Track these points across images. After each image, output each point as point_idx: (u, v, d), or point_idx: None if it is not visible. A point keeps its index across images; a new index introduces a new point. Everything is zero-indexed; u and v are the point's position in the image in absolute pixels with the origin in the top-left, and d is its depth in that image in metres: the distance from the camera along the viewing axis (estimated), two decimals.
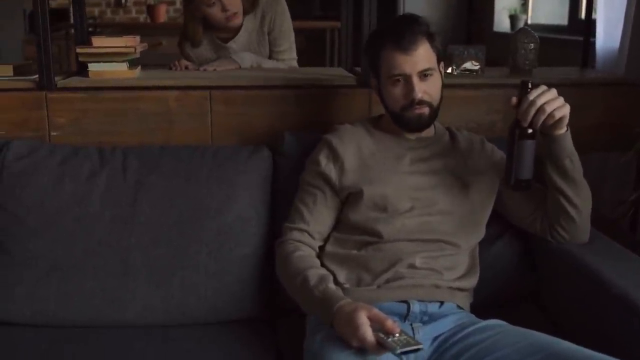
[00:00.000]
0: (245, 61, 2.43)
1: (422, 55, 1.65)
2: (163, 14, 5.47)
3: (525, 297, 1.79)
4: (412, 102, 1.65)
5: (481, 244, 1.75)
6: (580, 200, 1.65)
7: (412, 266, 1.60)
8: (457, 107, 2.05)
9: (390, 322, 1.29)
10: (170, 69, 2.44)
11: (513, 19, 4.83)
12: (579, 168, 1.64)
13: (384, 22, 1.77)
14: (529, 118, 1.53)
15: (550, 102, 1.53)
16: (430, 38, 1.68)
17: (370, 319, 1.31)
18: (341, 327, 1.35)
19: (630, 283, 1.49)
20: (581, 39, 3.48)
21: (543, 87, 1.55)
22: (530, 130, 1.56)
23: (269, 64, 2.52)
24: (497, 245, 1.80)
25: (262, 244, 1.79)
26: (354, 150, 1.71)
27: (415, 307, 1.55)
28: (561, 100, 1.55)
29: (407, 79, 1.65)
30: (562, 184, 1.63)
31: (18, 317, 1.71)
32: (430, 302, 1.57)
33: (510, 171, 1.59)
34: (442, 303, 1.59)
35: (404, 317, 1.56)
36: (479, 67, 2.26)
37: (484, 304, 1.69)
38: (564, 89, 1.61)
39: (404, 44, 1.63)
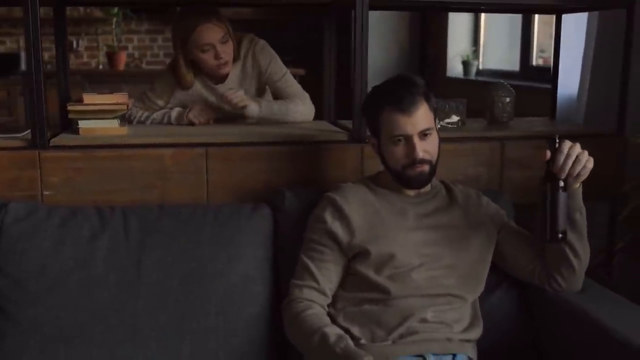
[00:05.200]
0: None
1: (422, 116, 1.71)
2: (123, 61, 5.43)
3: (527, 345, 1.84)
4: (414, 161, 1.71)
5: (480, 295, 1.80)
6: (583, 251, 1.73)
7: (424, 320, 1.64)
8: (443, 161, 2.11)
9: None
10: (194, 124, 2.36)
11: (466, 64, 5.01)
12: (585, 221, 1.72)
13: (380, 83, 1.83)
14: (567, 169, 1.60)
15: (581, 153, 1.61)
16: (427, 98, 1.75)
17: None
18: None
19: (632, 329, 1.56)
20: (534, 85, 3.64)
21: (569, 142, 1.63)
22: (562, 183, 1.62)
23: (283, 107, 2.41)
24: (496, 296, 1.85)
25: (269, 303, 1.80)
26: (358, 209, 1.75)
27: None
28: (587, 152, 1.63)
29: (408, 139, 1.71)
30: (570, 236, 1.69)
31: None
32: (444, 355, 1.62)
33: (546, 225, 1.63)
34: (454, 356, 1.64)
35: None
36: (458, 119, 2.35)
37: (486, 355, 1.74)
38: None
39: (405, 106, 1.69)
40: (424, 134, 1.71)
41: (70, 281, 1.73)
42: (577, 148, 1.61)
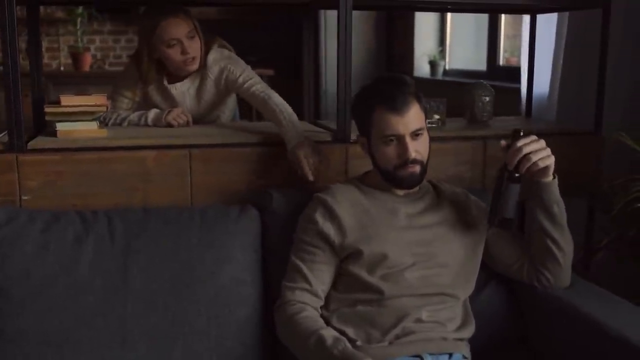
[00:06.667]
0: None
1: (414, 116, 1.71)
2: (89, 62, 5.31)
3: (518, 342, 1.86)
4: (406, 162, 1.71)
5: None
6: (565, 244, 1.75)
7: (419, 320, 1.64)
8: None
9: None
10: (172, 126, 2.29)
11: (432, 64, 5.04)
12: (564, 214, 1.74)
13: (370, 82, 1.82)
14: (514, 163, 1.64)
15: (537, 151, 1.64)
16: (418, 98, 1.74)
17: None
18: None
19: (623, 323, 1.59)
20: (501, 84, 3.68)
21: (532, 137, 1.65)
22: (516, 175, 1.65)
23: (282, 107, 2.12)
24: (485, 294, 1.87)
25: (260, 305, 1.78)
26: (349, 208, 1.74)
27: None
28: (548, 150, 1.66)
29: (400, 139, 1.70)
30: (550, 228, 1.72)
31: None
32: (440, 354, 1.62)
33: (496, 210, 1.68)
34: (450, 355, 1.64)
35: None
36: (439, 118, 2.36)
37: (479, 353, 1.74)
38: None
39: (397, 106, 1.69)
40: (415, 134, 1.71)
41: (55, 287, 1.68)
42: (534, 145, 1.63)
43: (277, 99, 2.16)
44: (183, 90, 2.37)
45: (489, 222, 1.72)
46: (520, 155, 1.63)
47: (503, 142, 1.67)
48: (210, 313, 1.72)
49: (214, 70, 2.34)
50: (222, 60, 2.35)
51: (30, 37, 2.26)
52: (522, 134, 1.65)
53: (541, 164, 1.64)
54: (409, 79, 1.78)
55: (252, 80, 2.27)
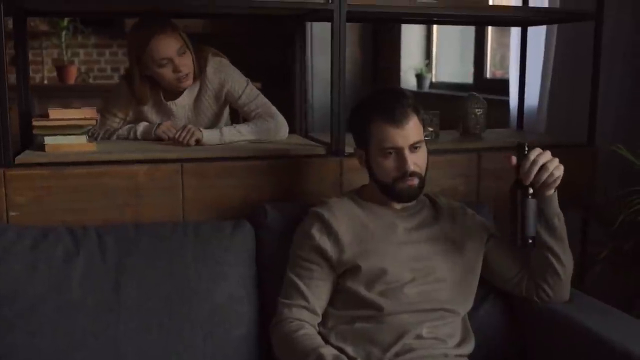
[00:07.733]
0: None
1: (413, 129, 1.69)
2: (74, 75, 5.25)
3: (516, 357, 1.83)
4: (404, 175, 1.68)
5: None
6: (565, 257, 1.73)
7: (419, 337, 1.61)
8: None
9: None
10: (162, 139, 2.24)
11: (419, 77, 5.03)
12: (564, 227, 1.72)
13: (368, 95, 1.79)
14: (532, 176, 1.60)
15: (550, 161, 1.61)
16: (417, 111, 1.73)
17: None
18: None
19: (625, 337, 1.57)
20: (488, 97, 3.70)
21: (539, 149, 1.63)
22: (531, 190, 1.63)
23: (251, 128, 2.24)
24: (484, 309, 1.84)
25: (256, 324, 1.74)
26: (346, 223, 1.71)
27: None
28: (557, 160, 1.63)
29: (399, 152, 1.68)
30: (550, 242, 1.70)
31: None
32: None
33: (516, 231, 1.64)
34: None
35: None
36: (432, 131, 2.34)
37: None
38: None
39: (396, 118, 1.67)
40: (414, 147, 1.69)
41: (45, 306, 1.63)
42: (546, 156, 1.61)
43: (268, 124, 2.22)
44: (183, 104, 2.34)
45: (511, 244, 1.67)
46: (537, 167, 1.60)
47: (513, 159, 1.63)
48: (206, 331, 1.68)
49: (214, 82, 2.31)
50: (221, 71, 2.32)
51: (17, 50, 2.21)
52: (527, 147, 1.63)
53: (557, 173, 1.62)
54: (408, 91, 1.77)
55: (253, 102, 2.31)
